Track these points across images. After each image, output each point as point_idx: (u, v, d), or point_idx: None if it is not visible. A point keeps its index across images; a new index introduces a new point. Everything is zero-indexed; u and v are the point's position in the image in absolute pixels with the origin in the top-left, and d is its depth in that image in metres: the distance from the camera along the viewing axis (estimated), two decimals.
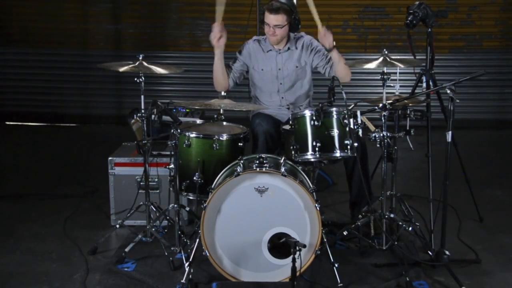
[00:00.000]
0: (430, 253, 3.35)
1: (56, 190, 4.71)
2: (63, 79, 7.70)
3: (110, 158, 3.97)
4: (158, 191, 3.93)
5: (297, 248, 2.76)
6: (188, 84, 7.61)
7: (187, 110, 4.33)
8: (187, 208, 3.66)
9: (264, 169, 3.03)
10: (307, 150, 3.26)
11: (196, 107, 4.08)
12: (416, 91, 3.95)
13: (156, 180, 3.91)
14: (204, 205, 3.01)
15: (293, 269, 2.74)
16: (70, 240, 3.73)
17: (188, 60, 7.52)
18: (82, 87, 7.73)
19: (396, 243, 3.33)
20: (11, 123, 7.61)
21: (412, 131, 3.54)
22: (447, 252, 3.15)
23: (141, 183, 3.70)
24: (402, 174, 5.08)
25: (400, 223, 3.45)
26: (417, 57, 3.96)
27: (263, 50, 3.94)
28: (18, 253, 3.55)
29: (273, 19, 3.72)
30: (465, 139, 6.39)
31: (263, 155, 3.15)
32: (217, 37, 3.73)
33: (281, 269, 3.03)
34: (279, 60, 3.92)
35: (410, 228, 3.44)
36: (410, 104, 3.53)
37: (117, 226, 3.71)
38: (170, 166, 3.40)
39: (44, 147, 6.45)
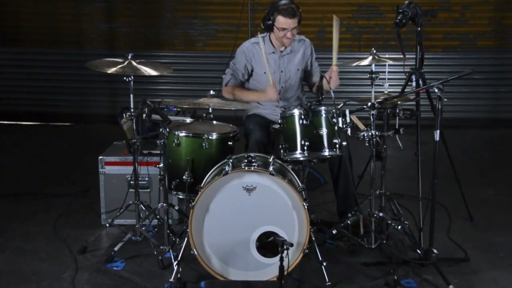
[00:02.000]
0: (418, 251, 3.36)
1: (47, 189, 4.70)
2: (56, 78, 7.67)
3: (100, 157, 3.96)
4: (148, 190, 3.93)
5: (285, 247, 2.77)
6: (182, 83, 7.61)
7: (179, 109, 4.32)
8: (176, 207, 3.66)
9: (252, 168, 3.04)
10: (296, 149, 3.25)
11: (185, 106, 4.07)
12: (405, 90, 3.95)
13: (146, 179, 3.91)
14: (192, 204, 3.01)
15: (281, 267, 2.74)
16: (60, 239, 3.74)
17: (182, 59, 7.52)
18: (76, 86, 7.70)
19: (385, 241, 3.33)
20: (4, 122, 7.59)
21: (401, 130, 3.55)
22: (435, 251, 3.15)
23: (131, 182, 3.70)
24: (393, 173, 5.09)
25: (389, 221, 3.45)
26: (406, 55, 3.97)
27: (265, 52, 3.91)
28: (8, 252, 3.55)
29: (292, 23, 3.70)
30: (458, 138, 6.43)
31: (252, 154, 3.16)
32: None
33: (269, 267, 3.03)
34: (281, 63, 3.91)
35: (399, 227, 3.44)
36: (399, 103, 3.53)
37: (107, 225, 3.71)
38: (160, 165, 3.40)
39: (37, 146, 6.44)
